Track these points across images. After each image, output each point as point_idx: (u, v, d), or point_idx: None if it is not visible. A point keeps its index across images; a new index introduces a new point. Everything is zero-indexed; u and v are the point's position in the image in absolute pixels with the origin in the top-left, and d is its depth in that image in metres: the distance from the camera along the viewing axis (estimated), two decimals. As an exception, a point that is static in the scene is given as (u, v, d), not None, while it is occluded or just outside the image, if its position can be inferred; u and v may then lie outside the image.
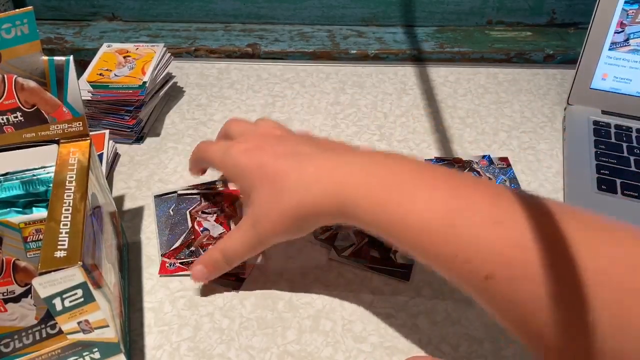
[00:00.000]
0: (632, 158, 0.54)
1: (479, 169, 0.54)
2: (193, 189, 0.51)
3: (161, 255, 0.45)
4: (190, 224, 0.47)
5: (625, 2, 0.55)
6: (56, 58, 0.36)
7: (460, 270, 0.31)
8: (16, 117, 0.36)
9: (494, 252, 0.29)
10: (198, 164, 0.48)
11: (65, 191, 0.33)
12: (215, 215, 0.48)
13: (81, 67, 0.63)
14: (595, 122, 0.59)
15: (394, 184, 0.34)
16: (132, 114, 0.57)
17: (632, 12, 0.55)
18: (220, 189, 0.51)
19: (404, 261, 0.45)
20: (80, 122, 0.37)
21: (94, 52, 0.63)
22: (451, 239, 0.31)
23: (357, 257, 0.45)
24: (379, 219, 0.34)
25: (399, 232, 0.33)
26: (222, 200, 0.50)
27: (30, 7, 0.34)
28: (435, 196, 0.33)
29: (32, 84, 0.36)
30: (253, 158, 0.39)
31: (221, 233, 0.46)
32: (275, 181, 0.37)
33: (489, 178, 0.53)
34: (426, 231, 0.32)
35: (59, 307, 0.30)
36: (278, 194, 0.37)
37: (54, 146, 0.37)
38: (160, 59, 0.61)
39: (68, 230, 0.30)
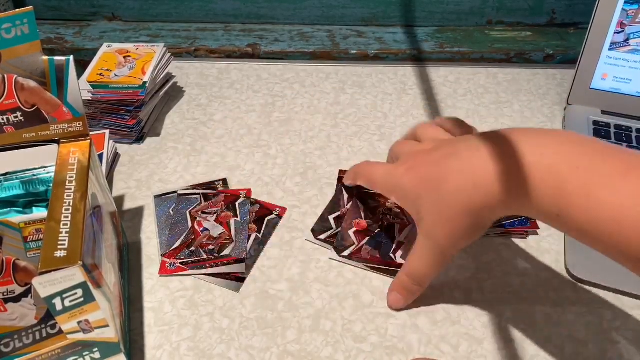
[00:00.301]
0: (632, 158, 0.54)
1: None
2: (193, 189, 0.51)
3: (161, 255, 0.45)
4: (190, 224, 0.47)
5: (625, 2, 0.55)
6: (56, 58, 0.36)
7: None
8: (16, 117, 0.36)
9: None
10: (357, 181, 0.46)
11: (66, 191, 0.33)
12: (215, 215, 0.48)
13: (81, 67, 0.63)
14: (595, 122, 0.59)
15: (572, 168, 0.31)
16: (132, 114, 0.57)
17: (632, 12, 0.55)
18: (220, 188, 0.51)
19: (404, 261, 0.45)
20: (81, 122, 0.37)
21: (94, 52, 0.63)
22: None
23: (358, 257, 0.45)
24: (559, 208, 0.31)
25: (583, 223, 0.31)
26: (222, 200, 0.50)
27: (30, 7, 0.34)
28: (627, 185, 0.29)
29: (32, 84, 0.36)
30: (414, 175, 0.39)
31: (221, 233, 0.47)
32: (439, 187, 0.37)
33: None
34: (621, 225, 0.29)
35: (59, 306, 0.30)
36: (445, 198, 0.36)
37: (54, 146, 0.37)
38: (161, 59, 0.62)
39: (68, 230, 0.30)
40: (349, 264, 0.45)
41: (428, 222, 0.38)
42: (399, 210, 0.49)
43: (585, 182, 0.31)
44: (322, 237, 0.47)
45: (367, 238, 0.47)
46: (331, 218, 0.49)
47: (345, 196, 0.51)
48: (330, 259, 0.45)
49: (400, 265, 0.44)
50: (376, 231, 0.47)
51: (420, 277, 0.40)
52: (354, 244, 0.46)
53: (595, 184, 0.30)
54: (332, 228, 0.48)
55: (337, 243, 0.46)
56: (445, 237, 0.37)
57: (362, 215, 0.48)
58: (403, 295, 0.41)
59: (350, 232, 0.47)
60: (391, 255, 0.45)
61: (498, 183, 0.34)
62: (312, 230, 0.48)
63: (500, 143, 0.35)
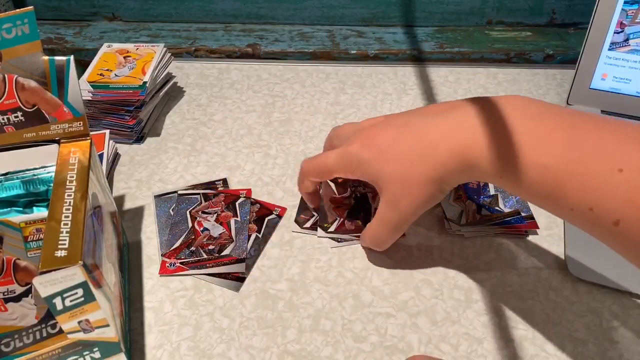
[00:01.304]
0: (631, 158, 0.54)
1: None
2: (193, 188, 0.51)
3: (161, 255, 0.45)
4: (190, 224, 0.47)
5: (625, 2, 0.55)
6: (57, 58, 0.36)
7: (584, 218, 0.32)
8: (17, 116, 0.36)
9: (620, 198, 0.30)
10: (311, 182, 0.47)
11: (66, 191, 0.33)
12: (215, 215, 0.48)
13: (81, 67, 0.63)
14: (595, 122, 0.59)
15: (511, 134, 0.35)
16: (133, 114, 0.57)
17: (632, 12, 0.56)
18: (220, 188, 0.51)
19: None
20: (81, 122, 0.37)
21: (94, 52, 0.63)
22: (573, 187, 0.32)
23: (343, 230, 0.48)
24: (502, 170, 0.35)
25: (520, 181, 0.35)
26: (223, 200, 0.50)
27: (31, 7, 0.34)
28: (554, 146, 0.33)
29: (32, 83, 0.36)
30: (372, 148, 0.41)
31: (221, 233, 0.47)
32: (401, 159, 0.39)
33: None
34: (547, 181, 0.33)
35: (59, 306, 0.30)
36: (408, 169, 0.39)
37: (55, 146, 0.37)
38: (161, 59, 0.62)
39: (69, 229, 0.30)
40: (336, 238, 0.47)
41: (391, 192, 0.40)
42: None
43: (522, 146, 0.34)
44: (308, 224, 0.48)
45: (346, 211, 0.49)
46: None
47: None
48: (319, 237, 0.47)
49: None
50: (352, 203, 0.50)
51: (381, 243, 0.44)
52: (336, 219, 0.48)
53: (528, 146, 0.34)
54: (313, 215, 0.49)
55: (320, 222, 0.48)
56: (408, 207, 0.40)
57: (335, 191, 0.51)
58: (366, 249, 0.46)
59: (329, 210, 0.49)
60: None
61: (450, 154, 0.37)
62: (296, 222, 0.49)
63: (447, 116, 0.39)
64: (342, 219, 0.48)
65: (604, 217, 0.31)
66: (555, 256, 0.46)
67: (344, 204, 0.50)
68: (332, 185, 0.51)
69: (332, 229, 0.48)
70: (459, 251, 0.46)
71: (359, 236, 0.47)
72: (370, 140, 0.41)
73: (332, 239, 0.47)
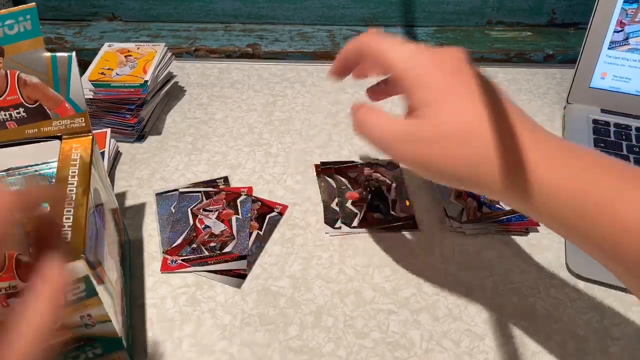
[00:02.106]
0: (631, 156, 0.54)
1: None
2: (194, 186, 0.51)
3: (163, 252, 0.45)
4: (192, 222, 0.47)
5: (625, 2, 0.55)
6: (59, 54, 0.36)
7: (608, 253, 0.29)
8: (19, 112, 0.36)
9: None
10: (355, 61, 0.41)
11: (68, 186, 0.33)
12: (217, 212, 0.48)
13: (81, 67, 0.62)
14: (595, 121, 0.59)
15: (570, 180, 0.31)
16: (134, 113, 0.57)
17: (632, 12, 0.56)
18: (222, 186, 0.51)
19: (405, 213, 0.49)
20: (83, 118, 0.37)
21: (94, 52, 0.63)
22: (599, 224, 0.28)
23: (364, 225, 0.48)
24: (563, 212, 0.30)
25: (585, 228, 0.30)
26: (224, 198, 0.50)
27: (33, 4, 0.34)
28: (632, 194, 0.29)
29: (34, 80, 0.36)
30: (448, 78, 0.35)
31: (222, 230, 0.47)
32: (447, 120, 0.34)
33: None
34: (622, 232, 0.28)
35: (61, 300, 0.30)
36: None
37: (57, 142, 0.37)
38: (162, 58, 0.62)
39: (70, 224, 0.30)
40: (360, 232, 0.48)
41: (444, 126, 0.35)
42: (378, 175, 0.53)
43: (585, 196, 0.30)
44: (338, 225, 0.49)
45: (365, 205, 0.50)
46: (333, 204, 0.51)
47: (330, 181, 0.53)
48: (344, 234, 0.48)
49: (404, 218, 0.49)
50: (369, 197, 0.51)
51: (381, 149, 0.38)
52: (357, 214, 0.49)
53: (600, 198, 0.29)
54: (339, 213, 0.50)
55: (343, 219, 0.49)
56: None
57: (351, 187, 0.52)
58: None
59: (349, 205, 0.50)
60: (392, 212, 0.49)
61: (501, 179, 0.33)
62: (327, 224, 0.49)
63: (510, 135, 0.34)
64: (362, 213, 0.49)
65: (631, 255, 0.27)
66: (556, 253, 0.46)
67: (362, 198, 0.50)
68: (346, 181, 0.52)
69: (355, 223, 0.48)
70: (460, 248, 0.46)
71: (381, 228, 0.48)
72: (447, 66, 0.35)
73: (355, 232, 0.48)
